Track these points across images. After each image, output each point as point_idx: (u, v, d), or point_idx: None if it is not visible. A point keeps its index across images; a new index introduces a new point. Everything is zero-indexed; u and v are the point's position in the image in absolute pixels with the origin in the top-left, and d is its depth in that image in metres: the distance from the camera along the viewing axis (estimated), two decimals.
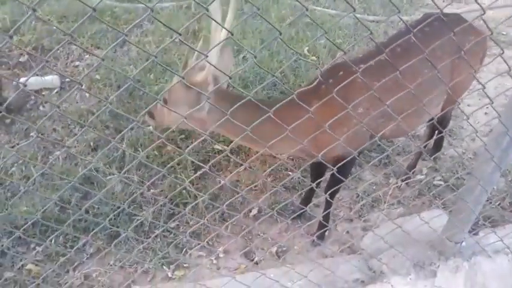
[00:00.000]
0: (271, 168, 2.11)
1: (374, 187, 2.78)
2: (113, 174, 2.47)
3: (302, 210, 2.32)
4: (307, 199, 2.48)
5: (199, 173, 2.51)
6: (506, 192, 2.73)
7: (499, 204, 2.65)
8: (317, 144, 1.86)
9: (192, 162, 2.61)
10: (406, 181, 2.80)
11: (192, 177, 2.49)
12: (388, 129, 1.64)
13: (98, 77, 3.46)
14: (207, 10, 0.99)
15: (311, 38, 4.26)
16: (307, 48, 4.04)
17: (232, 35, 1.11)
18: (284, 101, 1.27)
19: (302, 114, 1.34)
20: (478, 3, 1.24)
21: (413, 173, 2.81)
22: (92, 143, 2.77)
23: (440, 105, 2.27)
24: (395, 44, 1.40)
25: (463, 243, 1.99)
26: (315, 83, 1.82)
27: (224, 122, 1.34)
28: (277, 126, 1.34)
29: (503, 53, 1.26)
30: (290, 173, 2.72)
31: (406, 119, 1.64)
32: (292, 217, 2.42)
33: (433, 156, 2.95)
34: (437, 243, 2.02)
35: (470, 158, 3.10)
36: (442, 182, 2.85)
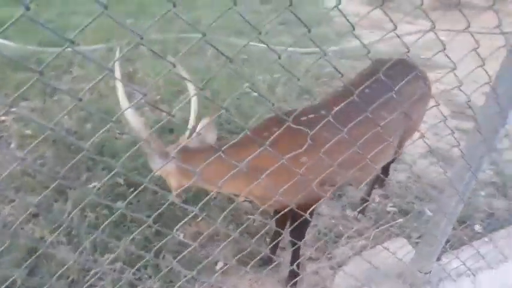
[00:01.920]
0: (227, 210, 2.03)
1: (333, 221, 2.80)
2: (62, 243, 2.24)
3: (276, 261, 2.25)
4: (274, 246, 2.42)
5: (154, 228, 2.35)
6: None
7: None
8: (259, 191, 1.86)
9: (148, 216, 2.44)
10: (362, 212, 2.85)
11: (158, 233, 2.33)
12: (347, 178, 1.64)
13: (28, 131, 3.19)
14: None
15: (249, 74, 4.31)
16: (247, 84, 4.06)
17: (201, 89, 1.03)
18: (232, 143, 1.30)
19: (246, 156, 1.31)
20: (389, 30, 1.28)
21: (367, 202, 2.87)
22: (32, 208, 2.50)
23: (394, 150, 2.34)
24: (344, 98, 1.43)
25: (431, 272, 2.05)
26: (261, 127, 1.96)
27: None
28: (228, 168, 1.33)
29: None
30: (250, 216, 2.65)
31: (365, 168, 1.66)
32: (262, 266, 2.33)
33: (382, 183, 3.06)
34: (407, 276, 2.05)
35: (415, 181, 3.25)
36: (394, 208, 2.95)
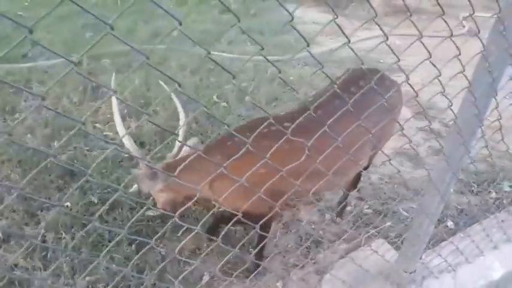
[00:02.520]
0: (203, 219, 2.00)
1: (313, 226, 2.82)
2: (37, 269, 2.12)
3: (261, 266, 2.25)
4: (259, 252, 2.40)
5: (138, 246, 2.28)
6: None
7: None
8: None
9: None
10: (340, 215, 2.90)
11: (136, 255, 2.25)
12: (314, 187, 1.62)
13: None
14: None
15: (215, 84, 4.29)
16: (216, 95, 4.04)
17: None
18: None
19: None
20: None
21: (345, 205, 2.92)
22: (0, 234, 2.35)
23: (367, 158, 2.39)
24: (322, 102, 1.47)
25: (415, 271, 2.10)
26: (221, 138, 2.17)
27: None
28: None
29: (408, 79, 1.32)
30: (232, 227, 2.63)
31: (336, 176, 1.67)
32: (247, 276, 2.31)
33: (357, 186, 3.13)
34: (393, 276, 2.10)
35: (387, 182, 3.35)
36: (370, 210, 3.02)
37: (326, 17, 7.34)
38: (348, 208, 3.03)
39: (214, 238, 1.76)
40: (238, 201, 1.71)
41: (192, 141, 2.30)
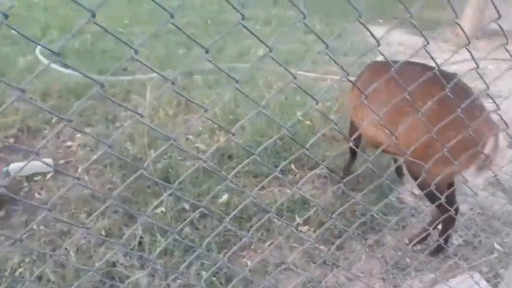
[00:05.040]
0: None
1: (399, 252, 2.75)
2: (136, 268, 2.29)
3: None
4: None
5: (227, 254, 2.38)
6: None
7: None
8: None
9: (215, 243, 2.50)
10: (423, 242, 2.79)
11: (226, 256, 2.35)
12: None
13: (95, 157, 3.31)
14: None
15: (300, 102, 4.37)
16: (300, 113, 4.12)
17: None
18: None
19: None
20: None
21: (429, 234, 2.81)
22: (103, 232, 2.59)
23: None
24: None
25: None
26: None
27: None
28: None
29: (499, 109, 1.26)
30: (322, 247, 2.64)
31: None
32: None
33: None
34: None
35: (479, 213, 3.17)
36: (460, 241, 2.87)
37: (411, 38, 7.18)
38: (435, 237, 2.91)
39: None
40: None
41: None
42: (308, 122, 4.01)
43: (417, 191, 3.22)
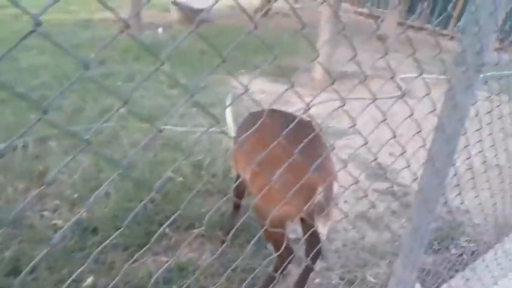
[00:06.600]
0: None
1: None
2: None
3: None
4: None
5: None
6: None
7: None
8: None
9: None
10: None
11: None
12: None
13: None
14: None
15: (170, 158, 4.21)
16: (170, 170, 3.94)
17: None
18: None
19: None
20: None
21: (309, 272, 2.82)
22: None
23: None
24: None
25: None
26: None
27: None
28: None
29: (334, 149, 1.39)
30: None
31: None
32: None
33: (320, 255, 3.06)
34: None
35: (352, 248, 3.31)
36: (337, 279, 2.94)
37: (273, 86, 7.61)
38: (317, 280, 2.94)
39: None
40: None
41: None
42: (180, 179, 3.85)
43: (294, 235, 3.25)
